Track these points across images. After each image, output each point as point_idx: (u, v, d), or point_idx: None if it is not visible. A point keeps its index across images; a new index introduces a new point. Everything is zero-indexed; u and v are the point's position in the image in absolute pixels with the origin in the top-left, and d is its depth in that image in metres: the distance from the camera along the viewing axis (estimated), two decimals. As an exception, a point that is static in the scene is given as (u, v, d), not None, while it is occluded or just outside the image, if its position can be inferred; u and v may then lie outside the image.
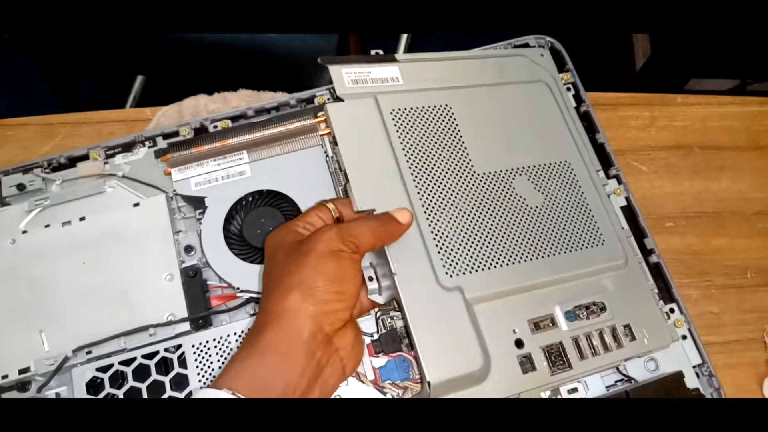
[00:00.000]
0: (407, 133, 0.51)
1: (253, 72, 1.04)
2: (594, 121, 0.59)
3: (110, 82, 1.38)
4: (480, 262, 0.47)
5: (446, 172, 0.50)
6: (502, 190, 0.51)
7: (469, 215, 0.49)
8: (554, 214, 0.51)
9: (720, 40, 1.21)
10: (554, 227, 0.50)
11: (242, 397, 0.36)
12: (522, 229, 0.50)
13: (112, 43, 1.03)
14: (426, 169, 0.50)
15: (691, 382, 0.50)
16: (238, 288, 0.50)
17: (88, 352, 0.49)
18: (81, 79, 1.37)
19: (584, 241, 0.51)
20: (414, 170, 0.50)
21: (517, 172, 0.52)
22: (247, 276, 0.50)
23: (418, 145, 0.51)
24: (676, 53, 1.32)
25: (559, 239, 0.50)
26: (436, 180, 0.50)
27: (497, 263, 0.48)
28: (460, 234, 0.48)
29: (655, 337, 0.49)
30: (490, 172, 0.51)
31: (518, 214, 0.50)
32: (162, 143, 0.57)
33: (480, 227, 0.49)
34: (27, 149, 0.61)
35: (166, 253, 0.52)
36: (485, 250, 0.48)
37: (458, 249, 0.47)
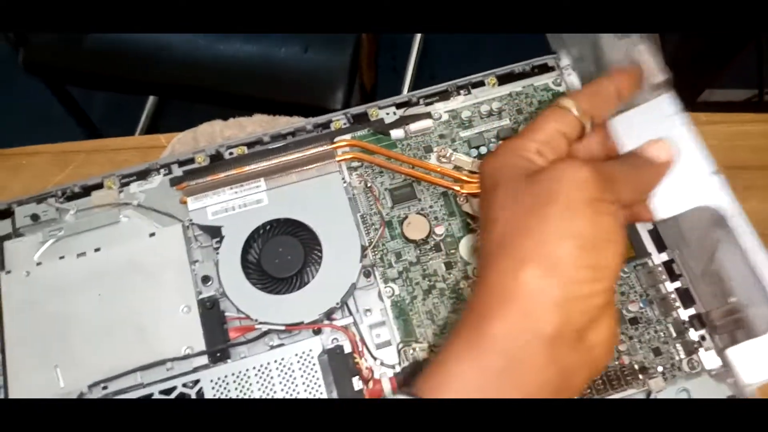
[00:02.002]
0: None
1: (265, 92, 1.04)
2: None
3: (123, 104, 1.38)
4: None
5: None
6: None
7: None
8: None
9: (735, 48, 1.19)
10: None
11: None
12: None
13: (123, 62, 1.03)
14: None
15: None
16: (256, 320, 0.49)
17: (104, 387, 0.48)
18: (94, 100, 1.38)
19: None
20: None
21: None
22: (265, 307, 0.49)
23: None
24: (691, 64, 1.31)
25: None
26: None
27: None
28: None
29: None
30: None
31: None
32: (177, 171, 0.57)
33: None
34: (41, 178, 0.61)
35: (182, 284, 0.51)
36: None
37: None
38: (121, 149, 0.61)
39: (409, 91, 1.33)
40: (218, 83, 1.03)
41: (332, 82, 0.98)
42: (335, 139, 0.57)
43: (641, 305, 0.51)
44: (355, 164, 0.56)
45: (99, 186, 0.56)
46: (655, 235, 0.54)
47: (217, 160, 0.57)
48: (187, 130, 0.61)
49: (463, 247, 0.53)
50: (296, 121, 0.59)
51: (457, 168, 0.56)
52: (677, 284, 0.52)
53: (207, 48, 1.01)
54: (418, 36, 1.46)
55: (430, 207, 0.55)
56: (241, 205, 0.53)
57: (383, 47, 1.49)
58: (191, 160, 0.57)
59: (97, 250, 0.52)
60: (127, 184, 0.56)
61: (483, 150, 0.56)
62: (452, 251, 0.53)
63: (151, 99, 1.38)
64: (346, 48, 0.98)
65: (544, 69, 0.60)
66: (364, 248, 0.52)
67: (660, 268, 0.52)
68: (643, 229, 0.54)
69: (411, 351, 0.49)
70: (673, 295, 0.51)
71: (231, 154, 0.57)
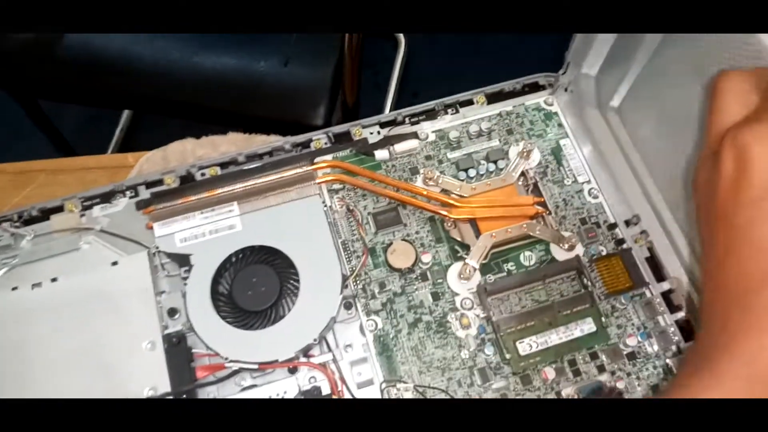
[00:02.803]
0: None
1: (244, 107, 1.00)
2: (612, 164, 0.54)
3: (96, 118, 1.33)
4: None
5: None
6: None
7: None
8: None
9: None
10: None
11: None
12: None
13: (96, 73, 0.99)
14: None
15: None
16: (227, 358, 0.45)
17: None
18: (65, 114, 1.32)
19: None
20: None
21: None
22: (237, 343, 0.45)
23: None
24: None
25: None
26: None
27: None
28: None
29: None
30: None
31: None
32: (145, 193, 0.53)
33: None
34: (-1, 200, 0.57)
35: (147, 317, 0.47)
36: None
37: None
38: (86, 169, 0.57)
39: (392, 108, 1.29)
40: (195, 97, 0.99)
41: (313, 98, 0.95)
42: (315, 160, 0.53)
43: (639, 338, 0.48)
44: (336, 186, 0.53)
45: (59, 209, 0.52)
46: (652, 264, 0.51)
47: (187, 182, 0.53)
48: (157, 149, 0.57)
49: (452, 276, 0.50)
50: (273, 140, 0.55)
51: (444, 191, 0.52)
52: (677, 316, 0.49)
53: (183, 60, 0.96)
54: (401, 51, 1.44)
55: (416, 233, 0.51)
56: (212, 231, 0.49)
57: (365, 63, 1.46)
58: (160, 182, 0.53)
59: (53, 280, 0.48)
60: (89, 207, 0.52)
61: (471, 172, 0.53)
62: (439, 281, 0.50)
63: (125, 114, 1.33)
64: (328, 62, 0.95)
65: (535, 88, 0.58)
66: (345, 278, 0.49)
67: (658, 300, 0.49)
68: (640, 258, 0.51)
69: (395, 391, 0.46)
70: (672, 328, 0.48)
71: (203, 175, 0.54)
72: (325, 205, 0.51)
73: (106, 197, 0.53)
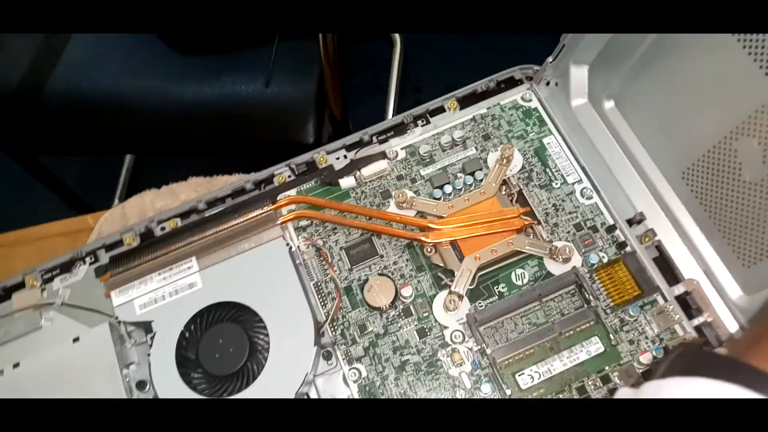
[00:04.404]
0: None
1: (234, 133, 0.97)
2: (605, 157, 0.49)
3: (100, 165, 1.32)
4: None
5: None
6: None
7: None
8: None
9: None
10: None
11: None
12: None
13: (83, 121, 0.97)
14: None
15: None
16: None
17: None
18: (67, 168, 1.31)
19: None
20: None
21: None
22: (208, 413, 0.42)
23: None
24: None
25: None
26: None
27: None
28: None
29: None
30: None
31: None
32: (105, 257, 0.50)
33: None
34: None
35: (113, 393, 0.44)
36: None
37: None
38: (46, 237, 0.55)
39: (395, 109, 1.23)
40: (185, 131, 0.96)
41: (300, 115, 0.91)
42: (279, 197, 0.49)
43: (655, 354, 0.42)
44: (303, 223, 0.48)
45: (20, 285, 0.49)
46: (662, 265, 0.45)
47: (148, 238, 0.50)
48: (115, 206, 0.53)
49: (438, 308, 0.45)
50: (236, 180, 0.51)
51: (420, 214, 0.48)
52: (697, 321, 0.43)
53: (165, 95, 0.93)
54: (398, 49, 1.38)
55: (395, 263, 0.47)
56: (171, 293, 0.45)
57: (362, 66, 1.41)
58: (119, 243, 0.50)
59: (16, 366, 0.45)
60: (50, 279, 0.49)
61: (448, 188, 0.48)
62: (425, 314, 0.45)
63: (128, 157, 1.32)
64: (309, 77, 0.91)
65: (512, 83, 0.52)
66: (320, 324, 0.45)
67: (672, 306, 0.44)
68: (647, 258, 0.45)
69: None
70: (689, 338, 0.43)
71: (163, 229, 0.50)
72: (291, 246, 0.47)
73: (66, 266, 0.50)
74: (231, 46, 0.93)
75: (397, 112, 0.45)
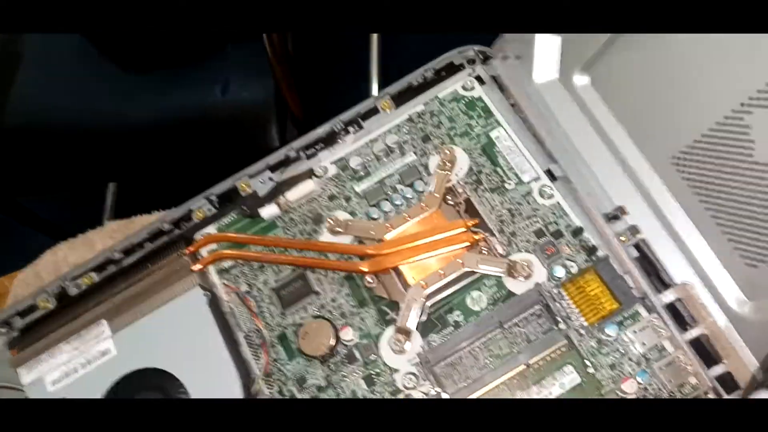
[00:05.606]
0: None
1: (196, 146, 0.91)
2: (565, 145, 0.41)
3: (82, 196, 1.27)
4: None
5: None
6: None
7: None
8: None
9: None
10: None
11: None
12: None
13: (46, 153, 0.92)
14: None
15: None
16: None
17: None
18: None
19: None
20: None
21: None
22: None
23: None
24: None
25: None
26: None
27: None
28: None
29: None
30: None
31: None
32: (20, 324, 0.44)
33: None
34: None
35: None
36: None
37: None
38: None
39: (379, 92, 1.17)
40: (144, 152, 0.91)
41: (260, 120, 0.85)
42: (195, 235, 0.43)
43: (639, 380, 0.36)
44: (226, 265, 0.42)
45: (-69, 368, 0.45)
46: (647, 267, 0.38)
47: (65, 299, 0.44)
48: (28, 267, 0.48)
49: (385, 349, 0.39)
50: (153, 220, 0.45)
51: (358, 240, 0.41)
52: (691, 334, 0.36)
53: (121, 116, 0.88)
54: (374, 36, 1.30)
55: (333, 301, 0.40)
56: (83, 364, 0.40)
57: (342, 55, 1.33)
58: (33, 307, 0.45)
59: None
60: (-38, 357, 0.44)
61: (385, 205, 0.42)
62: (371, 358, 0.39)
63: (111, 187, 1.27)
64: (265, 79, 0.85)
65: (451, 70, 0.45)
66: (251, 381, 0.39)
67: (658, 318, 0.36)
68: (629, 261, 0.38)
69: None
70: (683, 356, 0.36)
71: (78, 287, 0.44)
72: (208, 296, 0.40)
73: (-21, 340, 0.44)
74: (181, 58, 0.87)
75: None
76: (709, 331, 0.36)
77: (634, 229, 0.39)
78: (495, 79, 0.44)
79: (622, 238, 0.39)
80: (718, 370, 0.36)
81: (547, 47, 0.43)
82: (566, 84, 0.42)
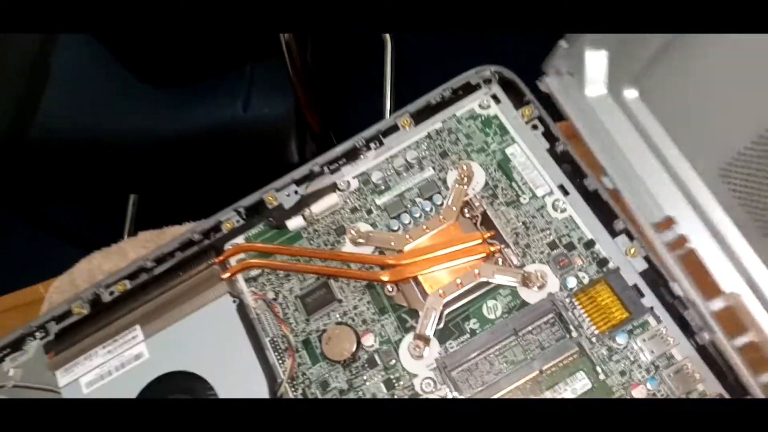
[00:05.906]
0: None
1: (218, 162, 0.94)
2: (577, 161, 0.43)
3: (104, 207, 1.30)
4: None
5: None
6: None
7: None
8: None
9: None
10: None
11: None
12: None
13: (70, 167, 0.95)
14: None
15: None
16: None
17: None
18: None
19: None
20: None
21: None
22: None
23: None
24: None
25: None
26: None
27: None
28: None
29: None
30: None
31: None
32: (55, 329, 0.47)
33: None
34: None
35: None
36: None
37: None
38: (-1, 312, 0.52)
39: (392, 108, 1.18)
40: (168, 166, 0.94)
41: (280, 135, 0.88)
42: (224, 245, 0.46)
43: (649, 386, 0.37)
44: (253, 274, 0.45)
45: (-32, 372, 0.47)
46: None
47: (99, 304, 0.47)
48: (63, 274, 0.50)
49: (404, 355, 0.41)
50: (184, 231, 0.48)
51: (379, 250, 0.43)
52: (741, 341, 0.38)
53: (146, 132, 0.91)
54: (389, 47, 1.33)
55: (355, 308, 0.42)
56: (117, 367, 0.42)
57: (356, 68, 1.36)
58: (68, 313, 0.47)
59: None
60: (1, 359, 0.47)
61: (405, 218, 0.44)
62: (391, 363, 0.41)
63: (131, 198, 1.30)
64: (285, 95, 0.87)
65: (468, 89, 0.47)
66: (277, 385, 0.41)
67: (665, 329, 0.38)
68: (631, 273, 0.40)
69: None
70: (689, 363, 0.37)
71: (111, 293, 0.47)
72: (237, 303, 0.43)
73: (16, 345, 0.47)
74: (203, 74, 0.90)
75: (394, 110, 0.42)
76: (758, 339, 0.37)
77: (682, 239, 0.40)
78: (548, 96, 0.45)
79: (677, 247, 0.40)
80: (764, 379, 0.37)
81: (597, 63, 0.44)
82: (616, 98, 0.44)
